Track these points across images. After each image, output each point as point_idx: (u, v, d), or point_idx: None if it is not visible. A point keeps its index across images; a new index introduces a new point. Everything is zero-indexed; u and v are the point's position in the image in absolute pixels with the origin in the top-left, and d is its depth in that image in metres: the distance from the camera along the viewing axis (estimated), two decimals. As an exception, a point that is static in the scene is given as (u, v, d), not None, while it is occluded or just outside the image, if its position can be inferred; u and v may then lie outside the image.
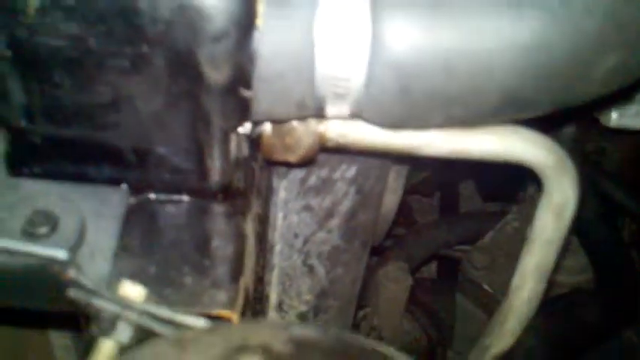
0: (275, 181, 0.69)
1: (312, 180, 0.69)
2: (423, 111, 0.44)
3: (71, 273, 0.37)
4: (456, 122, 0.47)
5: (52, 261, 0.36)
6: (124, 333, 0.37)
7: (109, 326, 0.37)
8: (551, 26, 0.41)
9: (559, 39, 0.41)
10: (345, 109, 0.44)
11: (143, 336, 0.37)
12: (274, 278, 0.80)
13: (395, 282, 1.03)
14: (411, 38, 0.41)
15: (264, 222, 0.66)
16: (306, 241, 0.77)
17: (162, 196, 0.48)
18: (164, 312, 0.36)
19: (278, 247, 0.77)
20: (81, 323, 0.70)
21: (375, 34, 0.41)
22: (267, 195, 0.67)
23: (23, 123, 0.44)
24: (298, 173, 0.68)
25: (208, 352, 0.26)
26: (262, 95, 0.43)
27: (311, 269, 0.81)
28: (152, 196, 0.48)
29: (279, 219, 0.73)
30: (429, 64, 0.41)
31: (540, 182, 0.57)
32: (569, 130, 0.70)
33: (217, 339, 0.27)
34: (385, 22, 0.41)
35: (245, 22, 0.39)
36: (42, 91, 0.42)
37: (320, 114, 0.45)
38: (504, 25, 0.41)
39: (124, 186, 0.47)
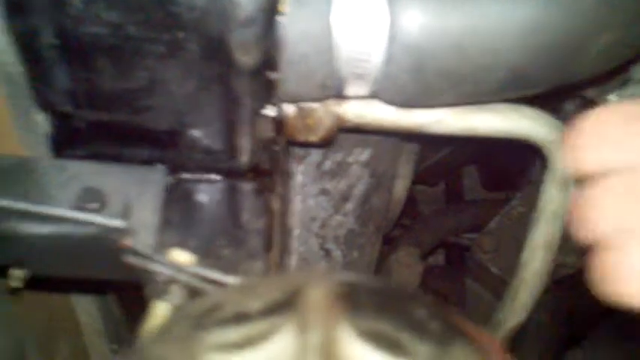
0: (293, 165, 0.72)
1: (328, 164, 0.73)
2: (435, 89, 0.48)
3: (127, 240, 0.40)
4: (465, 100, 0.51)
5: (110, 229, 0.40)
6: (176, 295, 0.40)
7: (162, 289, 0.40)
8: (549, 7, 0.44)
9: (557, 19, 0.45)
10: (363, 89, 0.48)
11: (194, 298, 0.41)
12: (293, 263, 0.83)
13: (407, 267, 1.06)
14: (425, 20, 0.44)
15: (284, 203, 0.69)
16: (323, 225, 0.80)
17: (196, 176, 0.52)
18: (214, 274, 0.40)
19: (296, 232, 0.80)
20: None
21: (392, 17, 0.44)
22: (285, 178, 0.71)
23: (68, 108, 0.47)
24: (315, 157, 0.71)
25: (269, 295, 0.29)
26: (288, 77, 0.46)
27: (328, 253, 0.84)
28: (186, 175, 0.52)
29: (297, 203, 0.76)
30: (442, 44, 0.45)
31: (544, 158, 0.60)
32: (569, 108, 0.74)
33: (275, 285, 0.31)
34: (401, 5, 0.44)
35: (270, 8, 0.43)
36: (85, 77, 0.46)
37: (340, 94, 0.49)
38: (507, 7, 0.45)
39: (161, 166, 0.51)
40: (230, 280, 0.41)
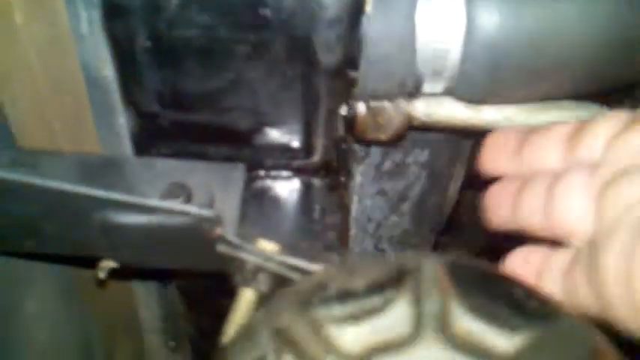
0: (352, 166, 0.74)
1: (387, 164, 0.74)
2: (510, 86, 0.49)
3: (219, 230, 0.42)
4: (538, 97, 0.52)
5: (202, 219, 0.42)
6: (263, 282, 0.42)
7: (251, 277, 0.42)
8: (626, 3, 0.46)
9: (634, 14, 0.46)
10: (439, 85, 0.49)
11: (278, 285, 0.42)
12: (347, 262, 0.85)
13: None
14: (501, 19, 0.46)
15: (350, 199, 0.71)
16: (378, 226, 0.81)
17: (272, 173, 0.54)
18: (300, 262, 0.41)
19: (352, 232, 0.81)
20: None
21: (469, 15, 0.46)
22: (347, 178, 0.72)
23: (155, 108, 0.49)
24: (374, 158, 0.73)
25: (373, 274, 0.31)
26: (367, 75, 0.48)
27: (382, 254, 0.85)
28: (263, 172, 0.54)
29: (354, 203, 0.78)
30: (518, 41, 0.46)
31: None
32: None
33: (375, 265, 0.32)
34: (478, 6, 0.46)
35: (355, 8, 0.45)
36: (174, 78, 0.48)
37: (417, 91, 0.51)
38: (584, 4, 0.46)
39: (240, 163, 0.53)
40: (315, 267, 0.43)
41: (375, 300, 0.30)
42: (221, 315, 0.51)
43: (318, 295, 0.30)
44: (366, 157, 0.73)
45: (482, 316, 0.29)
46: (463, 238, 1.15)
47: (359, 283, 0.31)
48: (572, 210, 0.44)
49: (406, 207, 0.80)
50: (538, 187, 0.48)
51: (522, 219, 0.50)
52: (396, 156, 0.73)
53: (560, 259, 0.47)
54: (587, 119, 0.48)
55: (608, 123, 0.45)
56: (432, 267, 0.29)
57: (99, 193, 0.42)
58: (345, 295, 0.30)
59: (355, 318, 0.29)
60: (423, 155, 0.74)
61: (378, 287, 0.30)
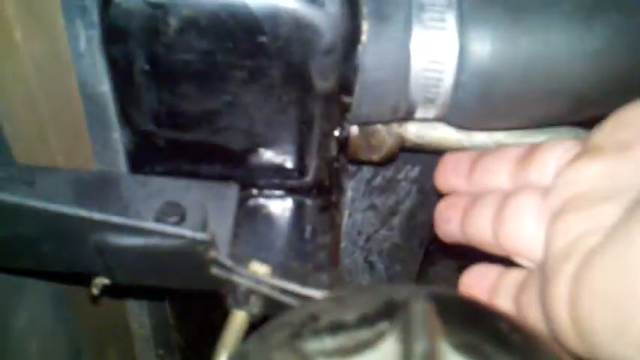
0: (344, 182, 0.74)
1: (378, 180, 0.75)
2: (501, 113, 0.50)
3: (212, 253, 0.43)
4: (529, 124, 0.53)
5: (196, 242, 0.43)
6: (255, 305, 0.43)
7: (243, 299, 0.43)
8: (617, 34, 0.47)
9: (624, 47, 0.47)
10: (431, 112, 0.50)
11: (270, 308, 0.43)
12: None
13: (445, 281, 1.08)
14: (493, 48, 0.47)
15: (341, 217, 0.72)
16: (368, 239, 0.82)
17: (265, 192, 0.55)
18: (292, 286, 0.42)
19: (343, 244, 0.82)
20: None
21: (461, 45, 0.47)
22: (340, 194, 0.73)
23: (151, 127, 0.50)
24: (366, 174, 0.74)
25: (364, 306, 0.32)
26: (362, 101, 0.49)
27: (372, 266, 0.86)
28: (255, 191, 0.55)
29: (344, 217, 0.79)
30: (509, 71, 0.47)
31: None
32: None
33: (366, 297, 0.33)
34: (470, 34, 0.47)
35: (351, 37, 0.46)
36: (170, 100, 0.48)
37: (409, 117, 0.52)
38: (575, 36, 0.47)
39: (233, 182, 0.53)
40: (307, 291, 0.44)
41: (366, 333, 0.31)
42: (210, 327, 0.52)
43: (309, 326, 0.31)
44: (358, 173, 0.74)
45: (469, 354, 0.30)
46: (451, 247, 1.16)
47: (350, 315, 0.32)
48: (522, 233, 0.47)
49: (396, 221, 0.81)
50: (488, 206, 0.50)
51: (471, 235, 0.52)
52: (388, 172, 0.74)
53: (513, 277, 0.49)
54: (538, 143, 0.50)
55: (558, 149, 0.47)
56: (421, 303, 0.30)
57: (95, 215, 0.42)
58: (336, 328, 0.31)
59: (345, 351, 0.30)
60: (413, 172, 0.75)
61: (369, 320, 0.31)
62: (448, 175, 0.56)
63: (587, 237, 0.40)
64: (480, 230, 0.50)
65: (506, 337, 0.32)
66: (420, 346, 0.27)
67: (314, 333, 0.31)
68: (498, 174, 0.51)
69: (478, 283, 0.52)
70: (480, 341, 0.31)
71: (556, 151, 0.47)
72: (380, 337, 0.30)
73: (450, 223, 0.55)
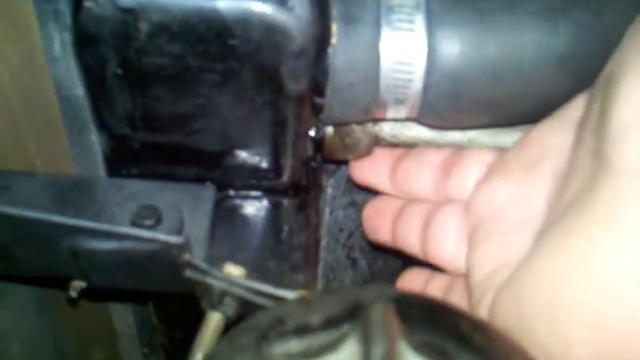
0: (324, 179, 0.75)
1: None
2: (471, 113, 0.51)
3: (187, 256, 0.44)
4: (499, 123, 0.54)
5: (169, 245, 0.43)
6: (230, 306, 0.44)
7: (217, 301, 0.44)
8: (583, 38, 0.47)
9: (590, 49, 0.48)
10: (403, 112, 0.51)
11: (245, 309, 0.44)
12: (319, 271, 0.87)
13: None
14: (461, 49, 0.47)
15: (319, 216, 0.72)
16: (350, 236, 0.83)
17: (241, 193, 0.55)
18: (266, 287, 0.43)
19: (324, 242, 0.83)
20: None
21: (430, 46, 0.47)
22: (319, 192, 0.74)
23: (126, 130, 0.50)
24: (345, 171, 0.74)
25: (329, 308, 0.32)
26: (334, 102, 0.49)
27: (354, 262, 0.87)
28: (232, 192, 0.55)
29: (325, 214, 0.80)
30: (478, 72, 0.48)
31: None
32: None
33: (333, 299, 0.34)
34: (439, 36, 0.47)
35: (321, 40, 0.46)
36: (144, 103, 0.49)
37: (381, 117, 0.52)
38: (541, 37, 0.48)
39: (209, 184, 0.54)
40: (280, 293, 0.44)
41: (330, 336, 0.31)
42: (194, 325, 0.53)
43: (275, 329, 0.32)
44: (337, 171, 0.74)
45: (429, 354, 0.30)
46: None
47: (316, 318, 0.32)
48: (445, 250, 0.50)
49: (377, 218, 0.82)
50: (414, 220, 0.53)
51: (401, 245, 0.55)
52: (367, 170, 0.75)
53: (438, 283, 0.52)
54: (462, 149, 0.52)
55: (477, 162, 0.49)
56: (382, 304, 0.30)
57: (68, 220, 0.43)
58: (301, 330, 0.32)
59: (309, 354, 0.30)
60: (392, 169, 0.76)
61: (334, 323, 0.32)
62: (365, 170, 0.58)
63: (500, 271, 0.42)
64: (408, 242, 0.54)
65: (467, 337, 0.33)
66: (378, 348, 0.28)
67: (280, 336, 0.32)
68: (422, 181, 0.54)
69: (410, 286, 0.54)
70: (440, 341, 0.31)
71: (475, 164, 0.49)
72: (342, 339, 0.31)
73: (379, 231, 0.58)
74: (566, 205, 0.38)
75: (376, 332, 0.28)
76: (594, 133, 0.38)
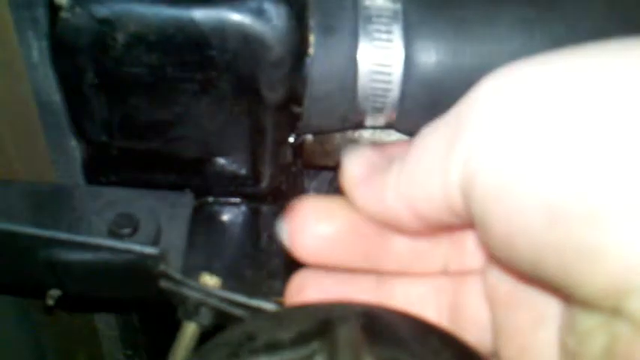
0: (305, 183, 0.75)
1: (339, 180, 0.76)
2: (448, 121, 0.51)
3: (162, 267, 0.44)
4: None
5: (145, 256, 0.43)
6: (205, 317, 0.44)
7: (192, 311, 0.44)
8: (557, 47, 0.48)
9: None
10: (380, 120, 0.51)
11: (220, 319, 0.44)
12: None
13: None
14: (438, 60, 0.48)
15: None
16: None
17: (220, 199, 0.55)
18: (240, 298, 0.43)
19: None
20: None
21: (407, 55, 0.48)
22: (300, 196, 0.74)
23: (104, 138, 0.50)
24: (327, 174, 0.74)
25: (300, 325, 0.33)
26: (311, 111, 0.50)
27: (336, 263, 0.87)
28: (211, 199, 0.55)
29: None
30: (454, 81, 0.48)
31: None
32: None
33: (304, 315, 0.34)
34: (416, 46, 0.48)
35: (299, 50, 0.46)
36: (122, 112, 0.49)
37: (359, 126, 0.52)
38: (517, 48, 0.48)
39: (188, 191, 0.54)
40: (255, 303, 0.45)
41: (300, 352, 0.31)
42: (175, 328, 0.53)
43: (246, 346, 0.32)
44: (319, 174, 0.75)
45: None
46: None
47: (287, 334, 0.32)
48: None
49: (359, 220, 0.82)
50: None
51: None
52: (348, 173, 0.75)
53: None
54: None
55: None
56: (351, 320, 0.30)
57: (44, 232, 0.43)
58: (272, 347, 0.32)
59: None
60: (374, 172, 0.76)
61: (304, 339, 0.32)
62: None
63: None
64: None
65: (437, 352, 0.33)
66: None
67: (251, 353, 0.32)
68: None
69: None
70: (409, 356, 0.32)
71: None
72: (311, 356, 0.31)
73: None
74: None
75: (342, 350, 0.28)
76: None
